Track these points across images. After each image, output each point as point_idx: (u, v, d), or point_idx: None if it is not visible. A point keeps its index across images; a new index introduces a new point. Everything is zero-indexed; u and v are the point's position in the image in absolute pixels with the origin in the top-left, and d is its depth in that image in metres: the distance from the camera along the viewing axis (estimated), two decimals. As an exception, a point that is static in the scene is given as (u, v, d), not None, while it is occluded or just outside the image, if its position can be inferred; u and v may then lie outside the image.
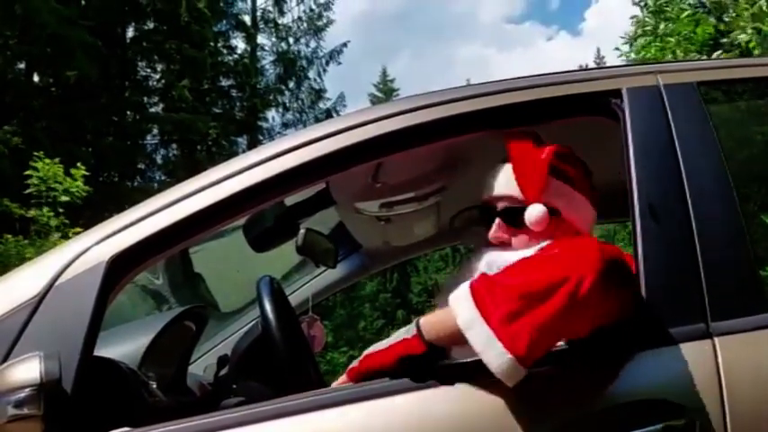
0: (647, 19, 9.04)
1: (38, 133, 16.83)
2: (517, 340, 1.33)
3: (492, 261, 1.66)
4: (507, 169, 1.74)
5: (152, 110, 21.59)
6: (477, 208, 1.82)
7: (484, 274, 1.50)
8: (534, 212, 1.67)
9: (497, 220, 1.73)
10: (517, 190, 1.71)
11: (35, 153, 9.26)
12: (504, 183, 1.74)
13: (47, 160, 9.12)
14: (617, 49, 10.07)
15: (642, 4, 9.18)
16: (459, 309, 1.42)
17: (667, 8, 8.39)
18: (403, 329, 1.55)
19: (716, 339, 1.43)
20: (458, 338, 1.41)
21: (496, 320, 1.36)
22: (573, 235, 1.68)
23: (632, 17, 9.40)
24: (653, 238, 1.52)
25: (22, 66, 18.21)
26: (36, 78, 19.06)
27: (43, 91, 19.22)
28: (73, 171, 9.39)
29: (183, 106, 20.42)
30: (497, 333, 1.35)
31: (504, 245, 1.72)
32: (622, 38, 9.68)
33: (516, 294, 1.37)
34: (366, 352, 1.56)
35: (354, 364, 1.58)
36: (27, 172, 9.12)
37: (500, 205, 1.74)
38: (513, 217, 1.71)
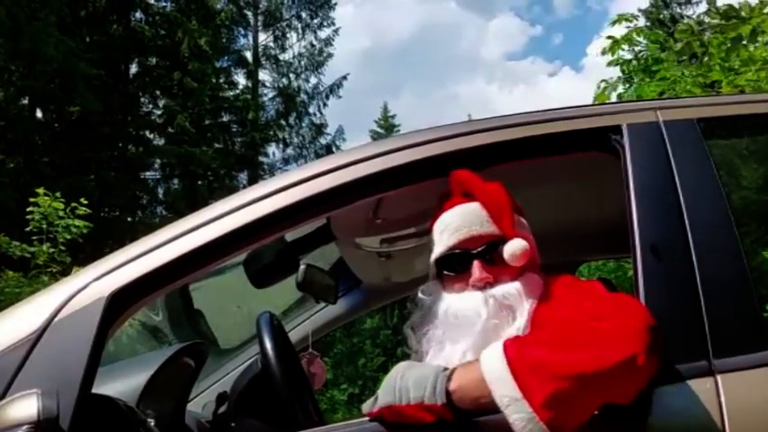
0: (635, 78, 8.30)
1: (41, 167, 16.93)
2: (561, 425, 1.30)
3: (500, 302, 1.58)
4: (474, 209, 1.66)
5: (154, 143, 21.74)
6: (447, 256, 1.67)
7: (519, 340, 1.41)
8: (516, 246, 1.58)
9: (477, 263, 1.63)
10: (493, 227, 1.63)
11: (36, 190, 9.20)
12: (478, 222, 1.65)
13: (50, 196, 9.06)
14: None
15: (620, 63, 8.32)
16: (500, 386, 1.33)
17: (656, 69, 7.91)
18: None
19: (718, 377, 1.42)
20: (492, 409, 1.34)
21: (539, 403, 1.29)
22: (537, 265, 1.67)
23: (601, 81, 8.33)
24: (654, 275, 1.52)
25: (25, 101, 18.37)
26: (39, 114, 19.21)
27: (46, 126, 19.34)
28: (78, 209, 9.31)
29: (186, 139, 20.55)
30: (540, 415, 1.29)
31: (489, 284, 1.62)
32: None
33: (562, 373, 1.30)
34: (384, 403, 1.43)
35: (373, 409, 1.45)
36: (29, 208, 9.05)
37: (477, 245, 1.64)
38: (492, 255, 1.63)
